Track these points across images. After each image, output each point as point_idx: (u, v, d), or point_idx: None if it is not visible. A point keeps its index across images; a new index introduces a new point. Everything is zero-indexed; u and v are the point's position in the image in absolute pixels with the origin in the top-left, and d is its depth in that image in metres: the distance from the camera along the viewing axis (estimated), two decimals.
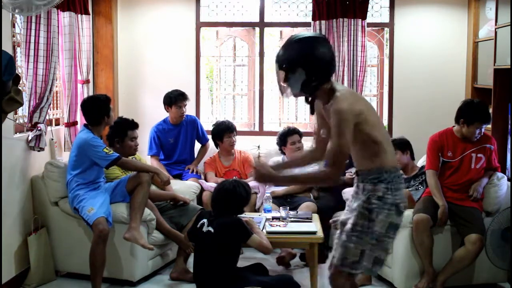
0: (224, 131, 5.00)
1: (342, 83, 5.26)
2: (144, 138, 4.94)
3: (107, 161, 3.75)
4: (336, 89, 2.54)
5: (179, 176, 4.97)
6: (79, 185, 3.79)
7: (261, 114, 5.72)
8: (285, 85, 2.58)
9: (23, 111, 4.05)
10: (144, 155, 4.89)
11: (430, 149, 3.93)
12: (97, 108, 3.88)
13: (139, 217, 3.72)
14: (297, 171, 2.85)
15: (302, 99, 2.73)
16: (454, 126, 3.93)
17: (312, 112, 2.74)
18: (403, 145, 4.31)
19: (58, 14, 4.22)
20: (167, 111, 5.03)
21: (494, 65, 4.45)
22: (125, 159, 3.89)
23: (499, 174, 3.91)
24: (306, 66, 2.50)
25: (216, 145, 5.12)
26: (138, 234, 3.66)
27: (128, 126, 4.12)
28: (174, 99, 4.94)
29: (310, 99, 2.67)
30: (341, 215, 2.77)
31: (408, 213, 3.76)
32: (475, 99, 4.07)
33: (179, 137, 5.07)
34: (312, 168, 2.70)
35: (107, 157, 3.74)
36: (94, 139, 3.77)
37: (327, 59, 2.54)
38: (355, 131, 2.47)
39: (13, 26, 3.91)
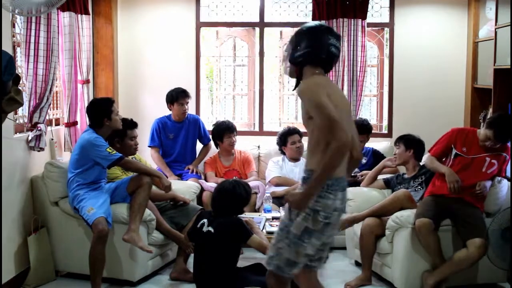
0: (224, 131, 5.00)
1: (342, 83, 5.27)
2: (144, 137, 4.94)
3: (109, 161, 3.74)
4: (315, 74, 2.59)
5: (179, 176, 4.97)
6: (79, 185, 3.78)
7: (261, 114, 5.72)
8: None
9: (23, 111, 4.05)
10: (144, 154, 4.88)
11: (445, 137, 3.88)
12: (96, 110, 3.88)
13: (138, 219, 3.71)
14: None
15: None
16: (478, 129, 3.89)
17: (295, 88, 2.72)
18: (399, 139, 4.27)
19: (58, 14, 4.21)
20: (170, 109, 5.04)
21: (494, 65, 4.45)
22: (127, 159, 3.88)
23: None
24: (298, 38, 2.62)
25: (216, 145, 5.12)
26: (137, 236, 3.65)
27: (127, 125, 4.12)
28: (176, 96, 4.95)
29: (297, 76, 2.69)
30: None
31: (408, 213, 3.76)
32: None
33: (179, 135, 5.06)
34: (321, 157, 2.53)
35: (109, 156, 3.73)
36: (97, 139, 3.77)
37: (320, 41, 2.57)
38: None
39: (13, 26, 3.91)
